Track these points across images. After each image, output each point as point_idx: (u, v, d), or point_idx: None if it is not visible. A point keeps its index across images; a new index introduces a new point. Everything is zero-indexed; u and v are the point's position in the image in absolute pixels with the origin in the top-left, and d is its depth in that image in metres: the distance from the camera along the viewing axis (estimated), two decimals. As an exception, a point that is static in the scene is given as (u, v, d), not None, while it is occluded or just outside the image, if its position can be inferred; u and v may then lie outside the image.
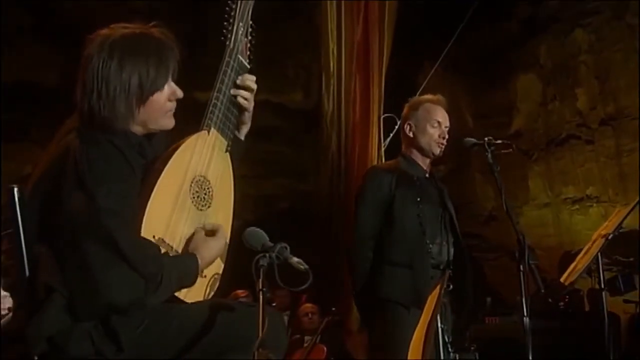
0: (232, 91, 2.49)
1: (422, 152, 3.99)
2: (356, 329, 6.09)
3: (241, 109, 2.55)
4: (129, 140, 2.19)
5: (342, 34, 5.60)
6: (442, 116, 3.98)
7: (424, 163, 4.01)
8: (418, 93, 6.23)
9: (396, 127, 5.38)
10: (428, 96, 4.11)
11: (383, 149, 5.50)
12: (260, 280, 2.10)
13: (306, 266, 2.18)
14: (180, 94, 2.30)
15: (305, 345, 6.44)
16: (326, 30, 5.61)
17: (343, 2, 5.61)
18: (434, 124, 3.95)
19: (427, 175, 4.02)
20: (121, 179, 2.09)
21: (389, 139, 5.55)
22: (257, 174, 8.62)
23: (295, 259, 2.19)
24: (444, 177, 8.37)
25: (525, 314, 3.21)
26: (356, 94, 5.57)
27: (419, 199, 3.87)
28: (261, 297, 2.05)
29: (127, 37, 2.22)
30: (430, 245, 3.82)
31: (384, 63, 5.64)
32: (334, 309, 6.02)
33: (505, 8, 8.17)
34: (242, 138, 2.62)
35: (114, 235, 1.99)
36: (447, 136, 3.97)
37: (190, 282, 2.20)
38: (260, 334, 1.96)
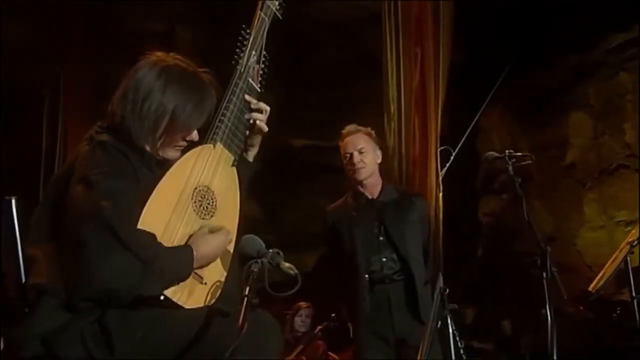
0: (247, 115, 2.19)
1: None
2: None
3: (256, 131, 2.23)
4: (138, 155, 1.92)
5: (401, 82, 5.26)
6: (348, 147, 3.78)
7: (365, 187, 3.80)
8: (470, 127, 6.09)
9: (451, 157, 5.05)
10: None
11: (440, 178, 5.05)
12: (248, 286, 1.73)
13: (296, 271, 1.81)
14: (196, 138, 2.03)
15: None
16: (387, 78, 5.27)
17: (402, 54, 5.25)
18: (345, 157, 3.79)
19: (369, 197, 3.79)
20: (123, 176, 1.82)
21: (445, 169, 5.15)
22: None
23: (287, 264, 1.83)
24: (507, 204, 7.82)
25: (549, 319, 2.69)
26: (415, 132, 5.17)
27: (352, 226, 3.69)
28: (245, 302, 1.67)
29: (180, 68, 1.97)
30: (364, 267, 3.59)
31: (440, 104, 5.22)
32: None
33: (558, 56, 7.59)
34: (251, 160, 2.28)
35: (112, 222, 1.70)
36: (358, 160, 3.74)
37: (185, 273, 1.84)
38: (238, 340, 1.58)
